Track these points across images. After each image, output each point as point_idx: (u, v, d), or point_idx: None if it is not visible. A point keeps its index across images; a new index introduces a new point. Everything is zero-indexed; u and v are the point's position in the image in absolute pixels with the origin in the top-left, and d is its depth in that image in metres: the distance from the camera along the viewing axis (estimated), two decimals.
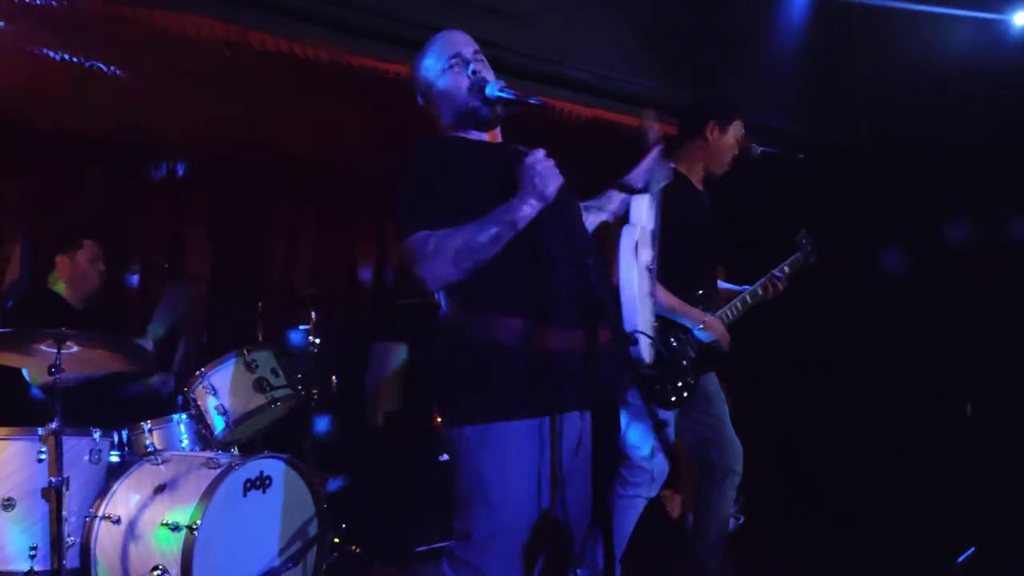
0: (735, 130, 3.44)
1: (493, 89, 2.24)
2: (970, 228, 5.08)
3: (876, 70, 5.43)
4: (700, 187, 3.47)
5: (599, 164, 2.25)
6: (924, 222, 5.08)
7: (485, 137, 2.33)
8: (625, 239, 2.14)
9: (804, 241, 3.61)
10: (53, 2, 3.55)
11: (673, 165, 3.43)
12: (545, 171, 2.10)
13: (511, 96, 2.23)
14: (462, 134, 2.32)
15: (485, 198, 2.13)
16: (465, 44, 2.34)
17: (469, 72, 2.27)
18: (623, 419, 3.21)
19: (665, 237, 3.22)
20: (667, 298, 3.23)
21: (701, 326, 3.28)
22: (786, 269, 3.53)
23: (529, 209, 2.09)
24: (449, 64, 2.30)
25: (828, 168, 5.36)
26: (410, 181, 2.18)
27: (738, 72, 4.95)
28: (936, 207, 5.07)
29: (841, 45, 5.54)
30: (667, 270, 3.20)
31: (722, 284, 3.57)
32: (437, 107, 2.32)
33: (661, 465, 3.22)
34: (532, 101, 2.22)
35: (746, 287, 3.50)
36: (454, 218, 2.09)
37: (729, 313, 3.39)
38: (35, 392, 3.74)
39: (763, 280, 3.49)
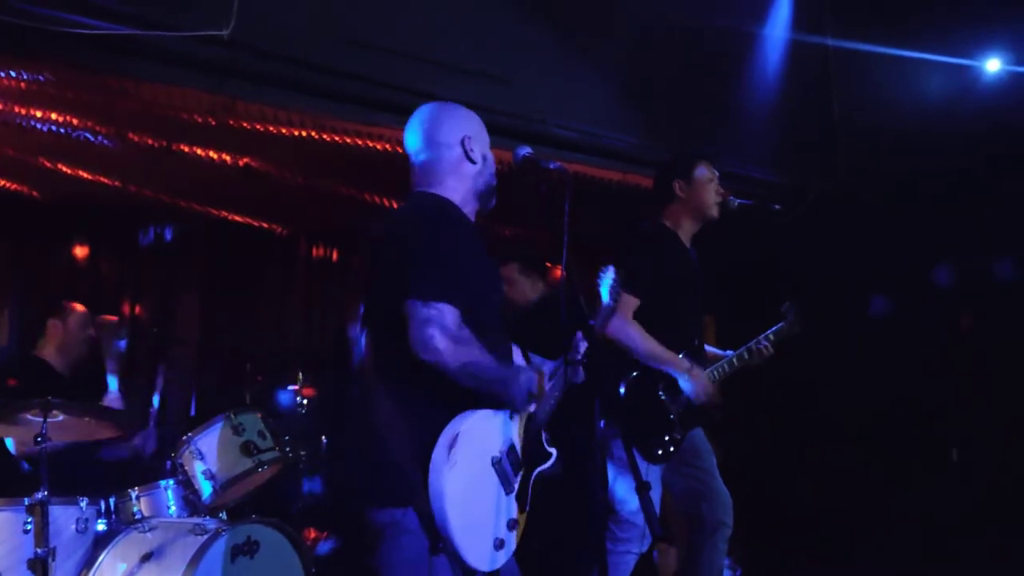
0: (700, 172, 3.51)
1: (525, 150, 2.38)
2: (951, 270, 5.12)
3: (853, 117, 5.53)
4: (688, 244, 3.53)
5: (583, 218, 2.29)
6: (904, 266, 5.13)
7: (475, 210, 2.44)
8: (443, 438, 2.11)
9: (789, 311, 3.65)
10: (40, 77, 3.62)
11: (662, 221, 3.52)
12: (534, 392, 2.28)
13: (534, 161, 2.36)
14: (462, 201, 2.39)
15: (480, 283, 2.27)
16: None
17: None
18: (609, 473, 3.20)
19: (651, 289, 3.28)
20: (653, 347, 3.25)
21: (687, 376, 3.30)
22: (771, 337, 3.56)
23: (519, 397, 2.23)
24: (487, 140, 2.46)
25: (808, 216, 5.43)
26: (432, 242, 2.22)
27: (717, 124, 5.04)
28: (917, 251, 5.12)
29: (817, 94, 5.65)
30: (651, 324, 3.26)
31: (707, 348, 3.60)
32: (473, 165, 2.39)
33: None
34: (552, 167, 2.33)
35: (729, 352, 3.53)
36: (463, 296, 2.17)
37: (714, 374, 3.42)
38: (24, 465, 3.71)
39: (747, 346, 3.52)
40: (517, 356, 2.47)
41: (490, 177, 2.42)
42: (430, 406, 2.14)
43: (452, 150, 2.38)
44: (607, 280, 2.52)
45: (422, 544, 2.10)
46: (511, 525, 2.22)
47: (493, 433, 2.22)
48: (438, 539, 2.07)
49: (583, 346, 2.32)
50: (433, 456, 2.08)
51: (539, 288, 4.36)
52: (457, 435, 2.11)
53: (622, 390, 3.20)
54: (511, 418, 2.27)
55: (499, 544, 2.17)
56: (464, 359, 2.11)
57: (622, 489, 3.24)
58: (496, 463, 2.19)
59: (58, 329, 4.16)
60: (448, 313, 2.13)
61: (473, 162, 2.38)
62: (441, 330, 2.10)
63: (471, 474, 2.13)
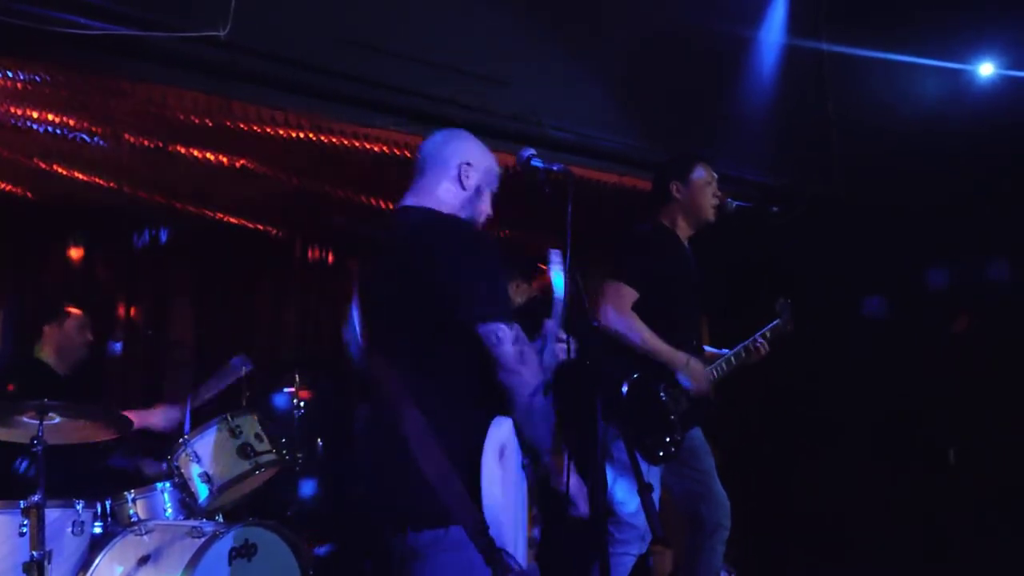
0: (698, 174, 3.53)
1: (528, 151, 2.37)
2: (948, 272, 5.14)
3: (848, 119, 5.55)
4: (685, 242, 3.54)
5: (581, 220, 2.29)
6: (902, 268, 5.14)
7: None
8: (490, 445, 2.10)
9: (783, 309, 3.65)
10: (36, 77, 3.61)
11: (660, 221, 3.52)
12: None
13: (539, 164, 2.36)
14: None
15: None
16: None
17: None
18: (609, 475, 3.21)
19: (648, 288, 3.29)
20: (653, 341, 3.26)
21: (686, 369, 3.30)
22: (767, 335, 3.57)
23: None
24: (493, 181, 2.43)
25: (804, 218, 5.45)
26: (487, 263, 2.23)
27: (713, 126, 5.05)
28: (913, 253, 5.14)
29: (813, 96, 5.67)
30: (649, 323, 3.27)
31: (705, 348, 3.61)
32: (463, 192, 2.36)
33: None
34: (555, 168, 2.33)
35: (727, 351, 3.54)
36: None
37: (713, 373, 3.43)
38: (17, 466, 3.70)
39: (744, 344, 3.54)
40: None
41: (478, 215, 2.38)
42: (464, 419, 2.14)
43: (449, 170, 2.36)
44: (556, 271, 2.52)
45: (468, 559, 2.06)
46: (533, 521, 2.27)
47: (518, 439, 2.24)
48: (493, 549, 2.04)
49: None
50: (484, 467, 2.08)
51: (524, 291, 4.36)
52: (504, 445, 2.12)
53: (623, 391, 3.20)
54: None
55: (531, 543, 2.21)
56: (538, 378, 2.14)
57: (621, 491, 3.24)
58: (525, 466, 2.21)
59: (55, 333, 4.15)
60: (519, 333, 2.15)
61: (464, 189, 2.35)
62: (526, 350, 2.14)
63: (510, 481, 2.15)
